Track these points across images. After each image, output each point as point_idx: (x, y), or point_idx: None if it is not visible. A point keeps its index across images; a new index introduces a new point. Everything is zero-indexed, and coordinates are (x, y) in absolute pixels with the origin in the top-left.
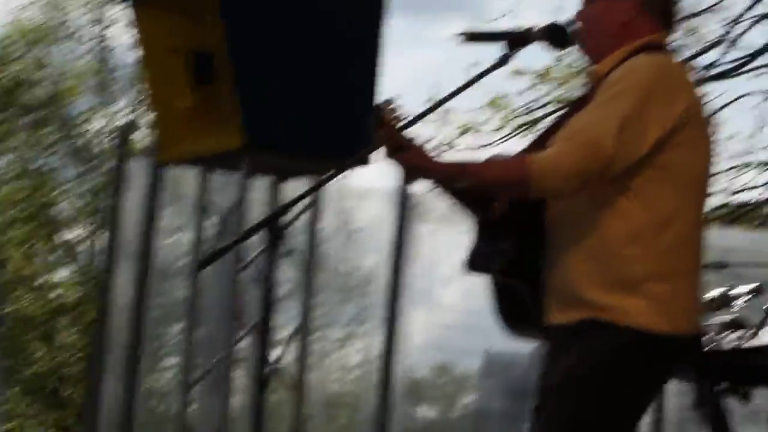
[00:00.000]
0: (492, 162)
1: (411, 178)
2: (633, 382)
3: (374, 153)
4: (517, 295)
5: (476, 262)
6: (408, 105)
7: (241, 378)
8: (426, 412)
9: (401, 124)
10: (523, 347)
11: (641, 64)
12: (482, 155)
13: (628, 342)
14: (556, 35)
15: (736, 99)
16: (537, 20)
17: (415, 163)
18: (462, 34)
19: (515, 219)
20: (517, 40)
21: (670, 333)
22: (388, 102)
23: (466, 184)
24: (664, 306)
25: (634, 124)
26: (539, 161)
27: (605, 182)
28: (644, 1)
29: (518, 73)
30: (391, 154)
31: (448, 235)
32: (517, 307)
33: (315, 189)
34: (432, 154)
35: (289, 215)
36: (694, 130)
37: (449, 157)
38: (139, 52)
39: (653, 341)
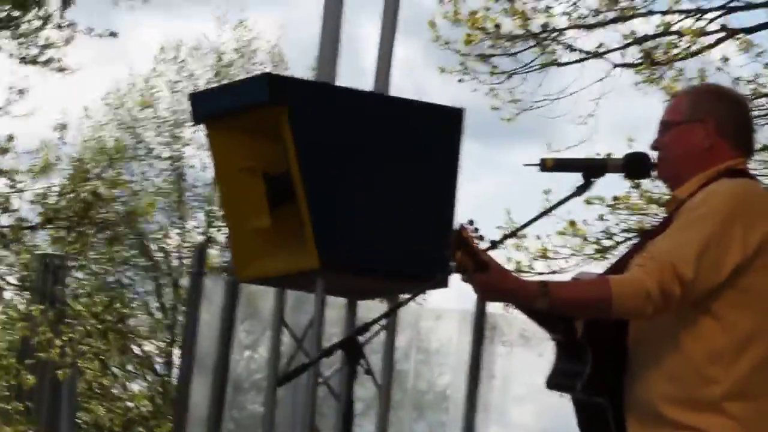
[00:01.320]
0: (572, 283)
1: (490, 298)
2: None
3: (451, 275)
4: (599, 412)
5: (556, 381)
6: (483, 229)
7: None
8: None
9: (480, 246)
10: None
11: (722, 189)
12: (558, 279)
13: None
14: (634, 165)
15: None
16: (612, 149)
17: (495, 283)
18: (541, 161)
19: (595, 337)
20: (595, 169)
21: None
22: (470, 222)
23: (546, 305)
24: (748, 425)
25: (713, 249)
26: (619, 282)
27: (686, 305)
28: (721, 127)
29: (592, 200)
30: (471, 274)
31: (523, 355)
32: (599, 425)
33: (394, 310)
34: (510, 273)
35: (366, 333)
36: None
37: (528, 278)
38: (213, 172)
39: None
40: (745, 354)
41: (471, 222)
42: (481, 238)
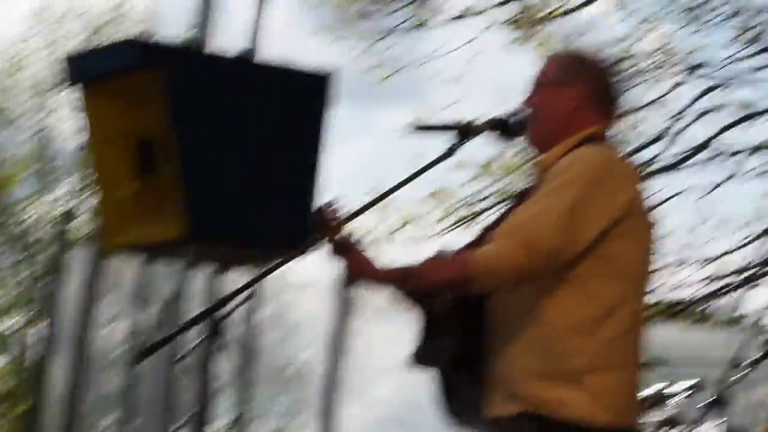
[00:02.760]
0: (433, 264)
1: (352, 282)
2: None
3: (314, 247)
4: (460, 387)
5: (420, 357)
6: (351, 195)
7: None
8: None
9: (343, 221)
10: None
11: (585, 155)
12: (425, 248)
13: None
14: (502, 127)
15: (676, 194)
16: (482, 112)
17: (357, 269)
18: (410, 124)
19: (458, 312)
20: (463, 132)
21: (609, 425)
22: (330, 204)
23: (408, 288)
24: (604, 398)
25: (576, 217)
26: (479, 261)
27: (550, 273)
28: (589, 90)
29: (462, 165)
30: (333, 254)
31: (384, 329)
32: (460, 400)
33: (255, 281)
34: (372, 258)
35: (228, 307)
36: (637, 221)
37: (392, 250)
38: (83, 139)
39: None
40: (606, 323)
41: (331, 203)
42: (342, 217)
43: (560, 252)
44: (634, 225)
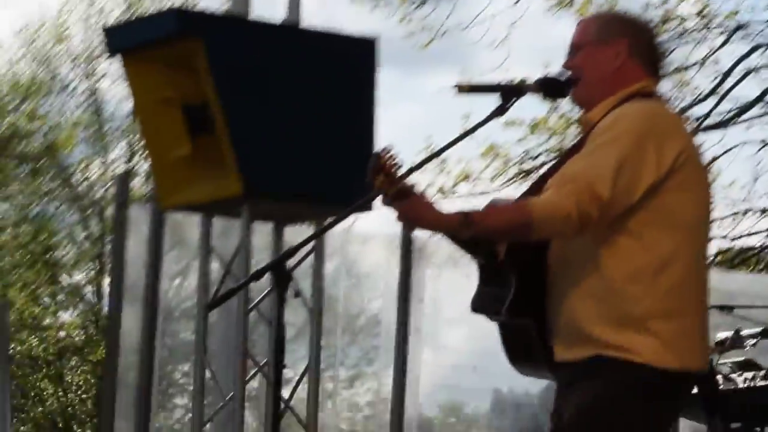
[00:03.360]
0: (492, 210)
1: (411, 227)
2: (645, 418)
3: (375, 199)
4: (525, 334)
5: (481, 305)
6: (402, 156)
7: (251, 418)
8: None
9: (400, 171)
10: (532, 387)
11: (632, 110)
12: (480, 203)
13: (639, 378)
14: (549, 87)
15: (729, 149)
16: (527, 73)
17: (415, 213)
18: (456, 85)
19: (517, 261)
20: (510, 91)
21: (680, 369)
22: (386, 149)
23: (469, 234)
24: (672, 343)
25: (627, 170)
26: (538, 207)
27: (604, 224)
28: (631, 47)
29: (512, 123)
30: (391, 201)
31: (452, 278)
32: (525, 346)
33: (319, 234)
34: (432, 202)
35: (294, 259)
36: (690, 173)
37: (448, 205)
38: (131, 104)
39: (663, 377)
40: (664, 272)
41: (387, 149)
42: (399, 164)
43: (611, 205)
44: (687, 176)
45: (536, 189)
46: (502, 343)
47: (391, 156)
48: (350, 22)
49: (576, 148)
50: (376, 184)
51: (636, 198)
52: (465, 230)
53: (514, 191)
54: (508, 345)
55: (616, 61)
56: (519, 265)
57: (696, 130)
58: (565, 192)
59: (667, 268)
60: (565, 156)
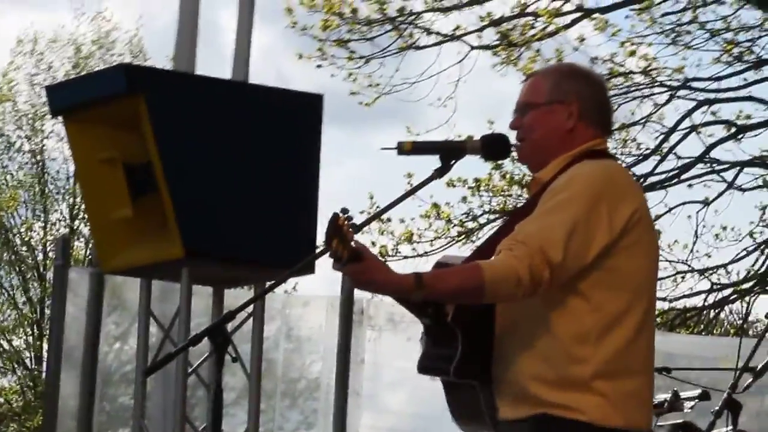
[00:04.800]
0: (446, 273)
1: (365, 288)
2: None
3: (316, 261)
4: (470, 393)
5: (428, 365)
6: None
7: None
8: None
9: (355, 230)
10: None
11: (586, 171)
12: (424, 265)
13: None
14: (492, 146)
15: (671, 209)
16: (473, 130)
17: (369, 276)
18: (399, 145)
19: (464, 320)
20: (451, 152)
21: (625, 428)
22: (344, 211)
23: (420, 296)
24: (617, 403)
25: (579, 233)
26: (490, 270)
27: (555, 287)
28: (583, 107)
29: (455, 182)
30: (343, 265)
31: (392, 340)
32: (470, 405)
33: (260, 296)
34: (384, 265)
35: (234, 322)
36: (641, 233)
37: (394, 267)
38: (73, 165)
39: None
40: (612, 333)
41: (345, 210)
42: (354, 226)
43: (562, 269)
44: (639, 236)
45: (486, 249)
46: (447, 401)
47: (348, 217)
48: (297, 80)
49: (526, 208)
50: (332, 247)
51: (588, 261)
52: (417, 293)
53: (458, 251)
54: (453, 404)
55: (568, 122)
56: (466, 325)
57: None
58: (517, 255)
59: (615, 329)
60: (515, 216)
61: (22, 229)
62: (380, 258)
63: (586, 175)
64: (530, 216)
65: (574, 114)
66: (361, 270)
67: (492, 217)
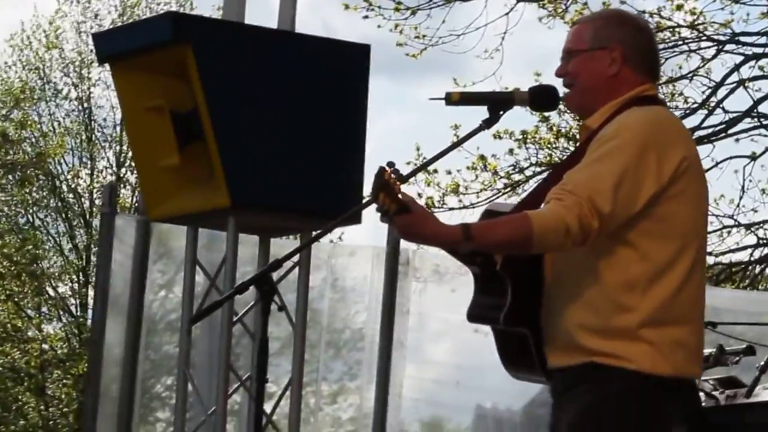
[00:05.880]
0: (493, 224)
1: (412, 240)
2: (642, 425)
3: (363, 211)
4: (521, 341)
5: (477, 314)
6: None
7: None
8: None
9: (402, 181)
10: (514, 403)
11: (634, 118)
12: (470, 216)
13: (634, 385)
14: (541, 97)
15: (718, 163)
16: (520, 82)
17: (417, 228)
18: (447, 95)
19: (513, 269)
20: (498, 103)
21: (673, 376)
22: (391, 164)
23: (469, 247)
24: (665, 351)
25: (629, 181)
26: (539, 220)
27: (603, 236)
28: (626, 52)
29: (500, 135)
30: (393, 216)
31: (436, 292)
32: (520, 353)
33: (306, 245)
34: (432, 216)
35: (280, 272)
36: (690, 182)
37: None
38: (120, 112)
39: (659, 384)
40: (659, 282)
41: (391, 164)
42: (401, 179)
43: (611, 218)
44: (687, 184)
45: (534, 198)
46: (497, 350)
47: (395, 170)
48: (343, 30)
49: (575, 157)
50: (379, 201)
51: (637, 209)
52: (466, 244)
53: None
54: (504, 352)
55: (611, 68)
56: (515, 273)
57: None
58: (566, 204)
59: (662, 279)
60: (563, 164)
61: (69, 177)
62: (427, 209)
63: (635, 123)
64: (579, 165)
65: (618, 60)
66: (409, 222)
67: (538, 169)
